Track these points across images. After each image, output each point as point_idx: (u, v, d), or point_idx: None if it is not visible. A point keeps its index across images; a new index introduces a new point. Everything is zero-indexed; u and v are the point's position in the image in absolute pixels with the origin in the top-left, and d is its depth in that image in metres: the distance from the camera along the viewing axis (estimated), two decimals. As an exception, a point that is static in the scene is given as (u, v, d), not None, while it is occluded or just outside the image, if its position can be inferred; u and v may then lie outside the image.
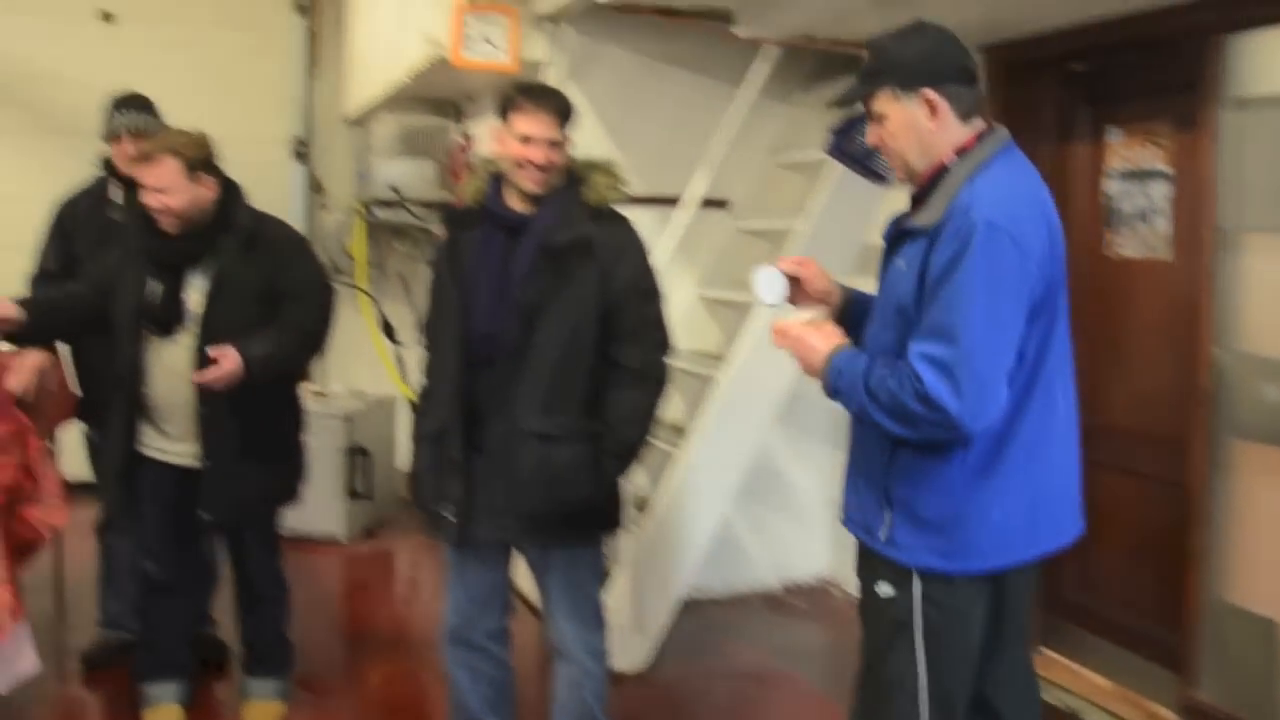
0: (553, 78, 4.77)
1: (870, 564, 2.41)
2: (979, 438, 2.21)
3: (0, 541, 2.97)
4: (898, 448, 2.29)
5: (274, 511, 3.72)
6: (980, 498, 2.24)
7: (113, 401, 3.49)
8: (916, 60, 2.28)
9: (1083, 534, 2.46)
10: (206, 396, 3.34)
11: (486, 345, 2.96)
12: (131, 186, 3.91)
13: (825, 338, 2.35)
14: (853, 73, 2.47)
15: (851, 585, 2.92)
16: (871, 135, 2.38)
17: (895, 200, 2.83)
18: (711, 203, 4.90)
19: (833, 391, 2.32)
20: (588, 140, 3.69)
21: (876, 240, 2.49)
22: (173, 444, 3.47)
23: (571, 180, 3.05)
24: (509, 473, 2.95)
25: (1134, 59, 3.89)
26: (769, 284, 2.51)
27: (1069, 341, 2.35)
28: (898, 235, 2.36)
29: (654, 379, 3.02)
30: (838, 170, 4.29)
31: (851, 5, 3.66)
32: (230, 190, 3.49)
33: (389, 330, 6.92)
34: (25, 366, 3.56)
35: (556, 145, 2.97)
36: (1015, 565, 2.33)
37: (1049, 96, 4.19)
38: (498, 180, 3.06)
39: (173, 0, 6.90)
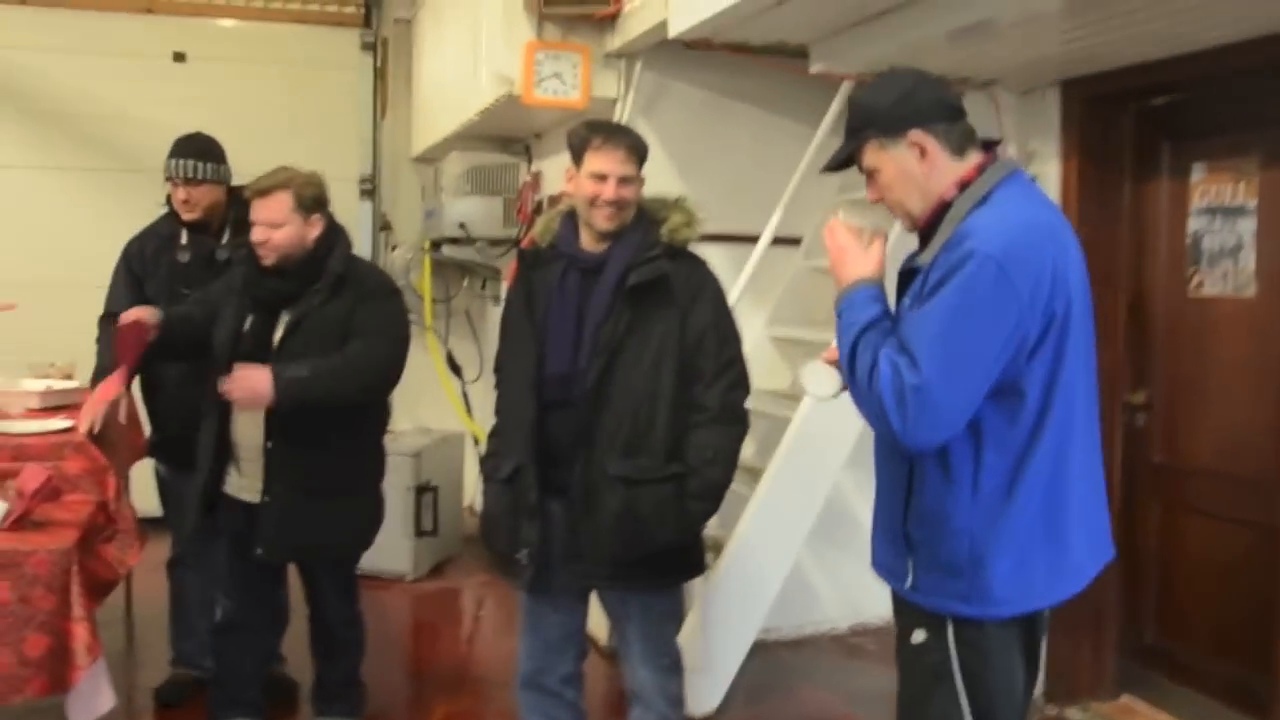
0: (623, 114, 4.78)
1: (903, 610, 2.36)
2: (987, 479, 2.16)
3: (79, 579, 2.98)
4: (913, 491, 2.26)
5: (344, 555, 3.69)
6: (996, 540, 2.18)
7: (202, 430, 3.50)
8: (894, 106, 2.24)
9: (1114, 559, 2.37)
10: (273, 433, 3.35)
11: (563, 387, 2.93)
12: (192, 229, 3.95)
13: (864, 259, 2.30)
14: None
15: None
16: (870, 192, 2.34)
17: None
18: (782, 240, 4.85)
19: (837, 316, 2.29)
20: (657, 176, 3.67)
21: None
22: (249, 481, 3.47)
23: (646, 219, 3.02)
24: (592, 517, 2.90)
25: (1217, 93, 3.81)
26: (818, 379, 2.40)
27: (1090, 373, 2.26)
28: (906, 273, 2.31)
29: (735, 420, 2.99)
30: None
31: (927, 41, 3.62)
32: (333, 233, 3.49)
33: (455, 367, 6.94)
34: (94, 400, 3.57)
35: (629, 182, 2.95)
36: (1041, 609, 2.27)
37: (1128, 132, 4.11)
38: (570, 220, 3.05)
39: (242, 40, 7.02)
